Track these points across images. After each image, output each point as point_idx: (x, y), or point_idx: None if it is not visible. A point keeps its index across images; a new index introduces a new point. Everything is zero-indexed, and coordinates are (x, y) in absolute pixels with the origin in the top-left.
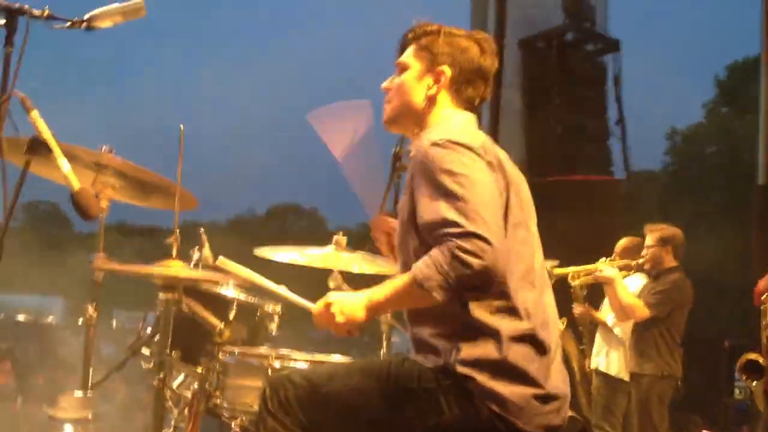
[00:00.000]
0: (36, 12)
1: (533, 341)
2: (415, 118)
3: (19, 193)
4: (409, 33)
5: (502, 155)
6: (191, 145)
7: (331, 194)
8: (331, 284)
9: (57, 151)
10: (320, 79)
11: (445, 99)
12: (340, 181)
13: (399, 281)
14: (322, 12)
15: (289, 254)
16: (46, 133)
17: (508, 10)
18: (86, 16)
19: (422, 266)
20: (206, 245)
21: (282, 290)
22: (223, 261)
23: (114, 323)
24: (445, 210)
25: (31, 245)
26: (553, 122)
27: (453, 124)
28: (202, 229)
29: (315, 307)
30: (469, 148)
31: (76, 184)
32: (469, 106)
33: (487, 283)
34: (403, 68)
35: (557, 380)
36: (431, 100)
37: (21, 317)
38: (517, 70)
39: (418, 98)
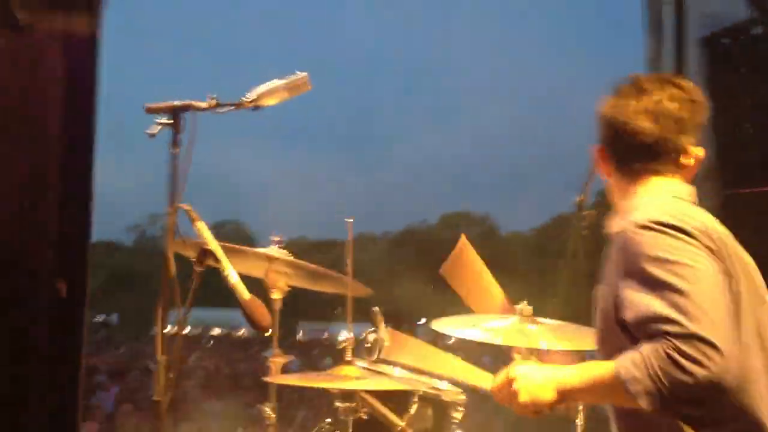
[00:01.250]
0: (203, 104)
1: None
2: (614, 192)
3: (194, 298)
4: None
5: (722, 230)
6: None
7: (501, 199)
8: (516, 356)
9: (225, 262)
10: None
11: (643, 167)
12: (509, 187)
13: (599, 370)
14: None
15: (467, 330)
16: (213, 244)
17: (688, 6)
18: (252, 96)
19: (629, 363)
20: (382, 325)
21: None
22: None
23: (300, 335)
24: (658, 305)
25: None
26: (742, 126)
27: (659, 199)
28: (376, 309)
29: (494, 382)
30: (682, 230)
31: (245, 295)
32: (676, 168)
33: (710, 399)
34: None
35: None
36: (623, 175)
37: (215, 331)
38: (699, 70)
39: (610, 175)
